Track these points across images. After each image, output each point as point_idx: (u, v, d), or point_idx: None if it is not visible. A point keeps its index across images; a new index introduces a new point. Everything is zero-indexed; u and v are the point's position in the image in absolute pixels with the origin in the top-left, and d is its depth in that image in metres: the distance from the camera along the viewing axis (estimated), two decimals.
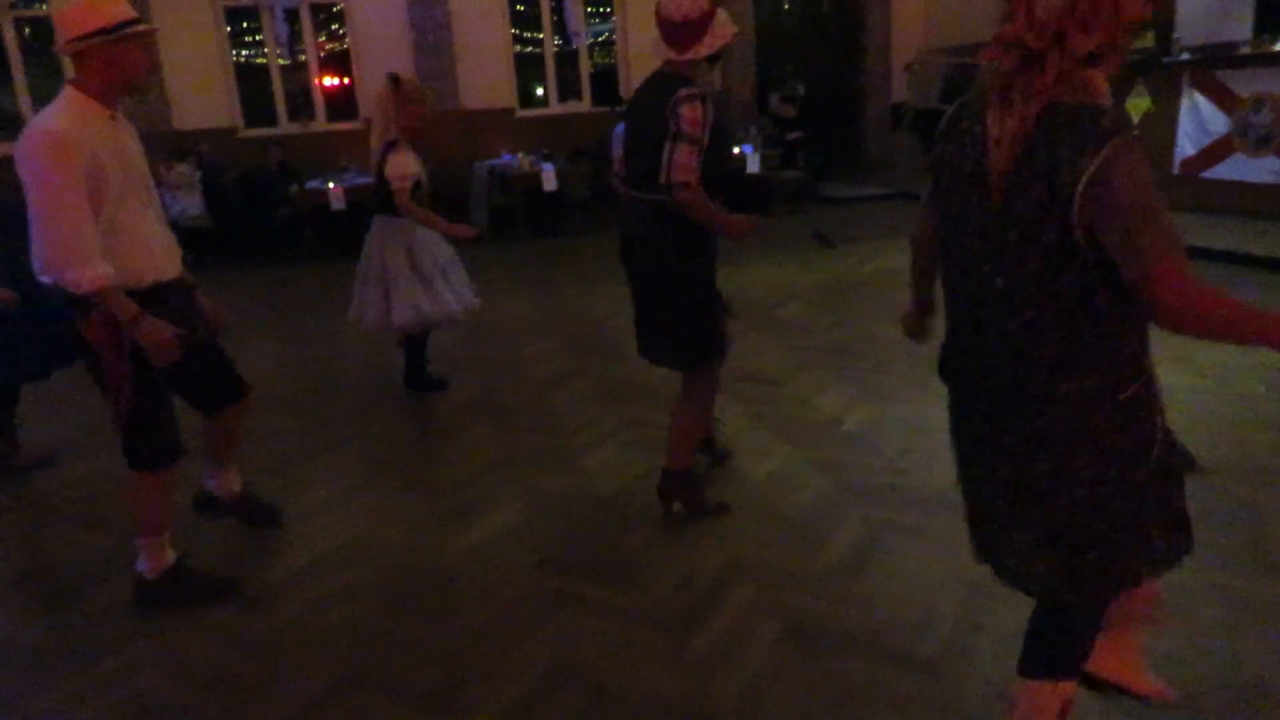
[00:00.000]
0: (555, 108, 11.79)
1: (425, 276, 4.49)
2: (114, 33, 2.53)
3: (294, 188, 9.50)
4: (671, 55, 2.85)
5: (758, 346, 5.35)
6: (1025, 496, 1.73)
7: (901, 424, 4.04)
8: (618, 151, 3.25)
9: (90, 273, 2.48)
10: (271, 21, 10.62)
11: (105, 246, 2.54)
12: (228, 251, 9.39)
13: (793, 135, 10.46)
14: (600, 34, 12.30)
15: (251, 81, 10.90)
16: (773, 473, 3.66)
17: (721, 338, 3.13)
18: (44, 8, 10.22)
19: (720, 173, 2.94)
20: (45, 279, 2.52)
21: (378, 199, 4.48)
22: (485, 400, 4.78)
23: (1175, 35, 7.84)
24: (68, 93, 2.58)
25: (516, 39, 11.63)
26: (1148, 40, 8.07)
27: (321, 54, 11.19)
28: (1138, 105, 8.06)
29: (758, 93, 11.92)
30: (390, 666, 2.58)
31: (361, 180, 9.73)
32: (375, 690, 2.49)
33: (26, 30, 10.48)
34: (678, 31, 2.80)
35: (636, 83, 3.01)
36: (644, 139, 2.88)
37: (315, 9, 10.99)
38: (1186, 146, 7.75)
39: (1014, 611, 2.60)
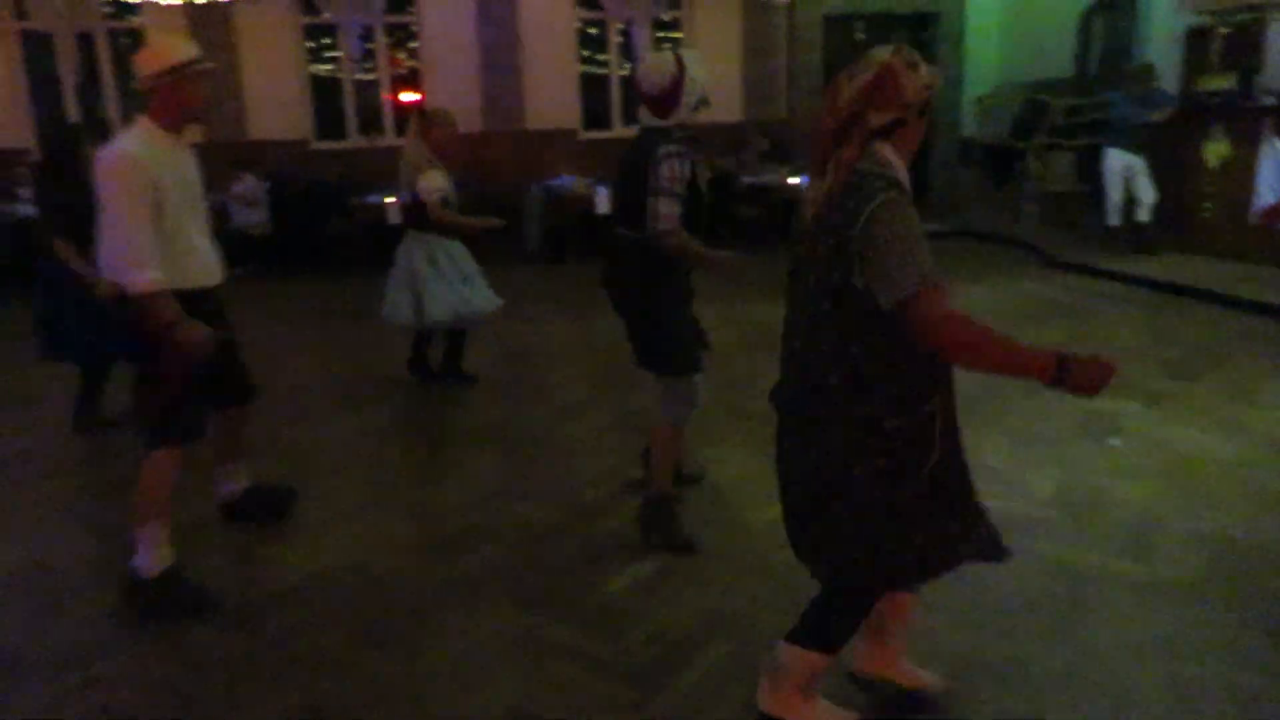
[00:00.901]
0: (619, 130, 11.83)
1: (450, 281, 4.98)
2: (180, 72, 2.97)
3: (353, 200, 9.72)
4: (657, 121, 3.20)
5: None
6: (816, 500, 2.08)
7: None
8: None
9: (144, 277, 2.86)
10: (347, 37, 10.94)
11: (164, 254, 2.93)
12: (287, 261, 9.64)
13: None
14: None
15: (325, 95, 11.23)
16: (773, 521, 3.46)
17: (692, 355, 3.34)
18: (136, 19, 10.71)
19: (699, 215, 3.25)
20: (106, 274, 2.95)
21: (409, 215, 5.07)
22: (499, 426, 4.76)
23: (1258, 78, 7.44)
24: (140, 121, 3.02)
25: (584, 60, 11.73)
26: (1230, 82, 7.69)
27: (395, 71, 11.47)
28: (1216, 150, 7.68)
29: None
30: (349, 700, 2.55)
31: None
32: None
33: (124, 40, 11.01)
34: (656, 102, 3.18)
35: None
36: (630, 185, 3.21)
37: (390, 27, 11.29)
38: (1266, 195, 7.33)
39: (995, 699, 2.45)
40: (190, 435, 3.10)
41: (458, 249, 5.11)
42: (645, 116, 3.22)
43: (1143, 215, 8.30)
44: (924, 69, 1.98)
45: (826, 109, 1.99)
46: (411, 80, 11.51)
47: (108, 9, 10.58)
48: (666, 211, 3.07)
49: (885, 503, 2.00)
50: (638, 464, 4.00)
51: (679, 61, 3.15)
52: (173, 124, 3.04)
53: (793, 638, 2.23)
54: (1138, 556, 3.19)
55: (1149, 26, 9.34)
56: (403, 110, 11.44)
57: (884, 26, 12.09)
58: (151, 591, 2.99)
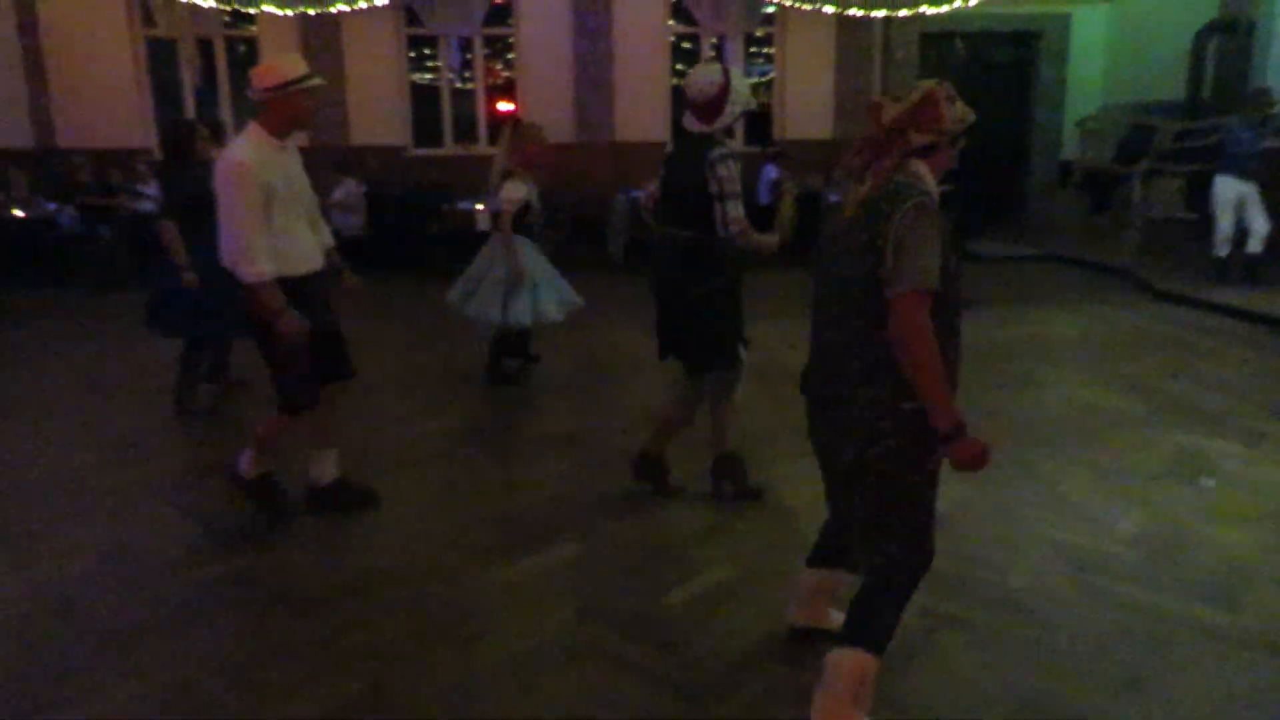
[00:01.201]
0: None
1: (510, 289, 5.28)
2: (289, 87, 3.34)
3: (446, 206, 9.99)
4: (701, 127, 3.49)
5: None
6: (839, 480, 2.36)
7: (993, 509, 3.77)
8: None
9: (254, 269, 3.29)
10: (447, 48, 11.28)
11: (273, 246, 3.32)
12: (382, 263, 9.94)
13: (941, 187, 10.04)
14: (764, 73, 12.31)
15: (423, 103, 11.60)
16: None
17: (734, 349, 3.63)
18: (253, 28, 11.27)
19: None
20: (226, 263, 3.35)
21: (496, 220, 5.43)
22: (572, 432, 4.82)
23: None
24: (251, 128, 3.40)
25: (677, 73, 11.80)
26: None
27: (492, 81, 11.77)
28: None
29: None
30: (409, 691, 2.62)
31: None
32: (388, 712, 2.53)
33: (241, 47, 11.60)
34: (702, 109, 3.45)
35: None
36: (678, 186, 3.53)
37: (489, 39, 11.59)
38: None
39: None
40: (303, 407, 3.58)
41: (532, 254, 5.39)
42: (690, 123, 3.51)
43: (1254, 246, 7.90)
44: (960, 104, 2.25)
45: (870, 124, 2.26)
46: (507, 90, 11.79)
47: (226, 19, 11.16)
48: (735, 214, 3.38)
49: (898, 483, 2.24)
50: (704, 479, 4.01)
51: (726, 73, 3.43)
52: (279, 131, 3.41)
53: (840, 639, 2.35)
54: (1224, 604, 3.03)
55: (1268, 49, 8.90)
56: (499, 119, 11.72)
57: (984, 43, 11.84)
58: (250, 488, 3.66)
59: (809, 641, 2.81)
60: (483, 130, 11.67)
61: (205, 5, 10.62)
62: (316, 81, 3.44)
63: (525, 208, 5.26)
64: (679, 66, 11.82)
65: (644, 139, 11.23)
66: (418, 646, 2.84)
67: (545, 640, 2.88)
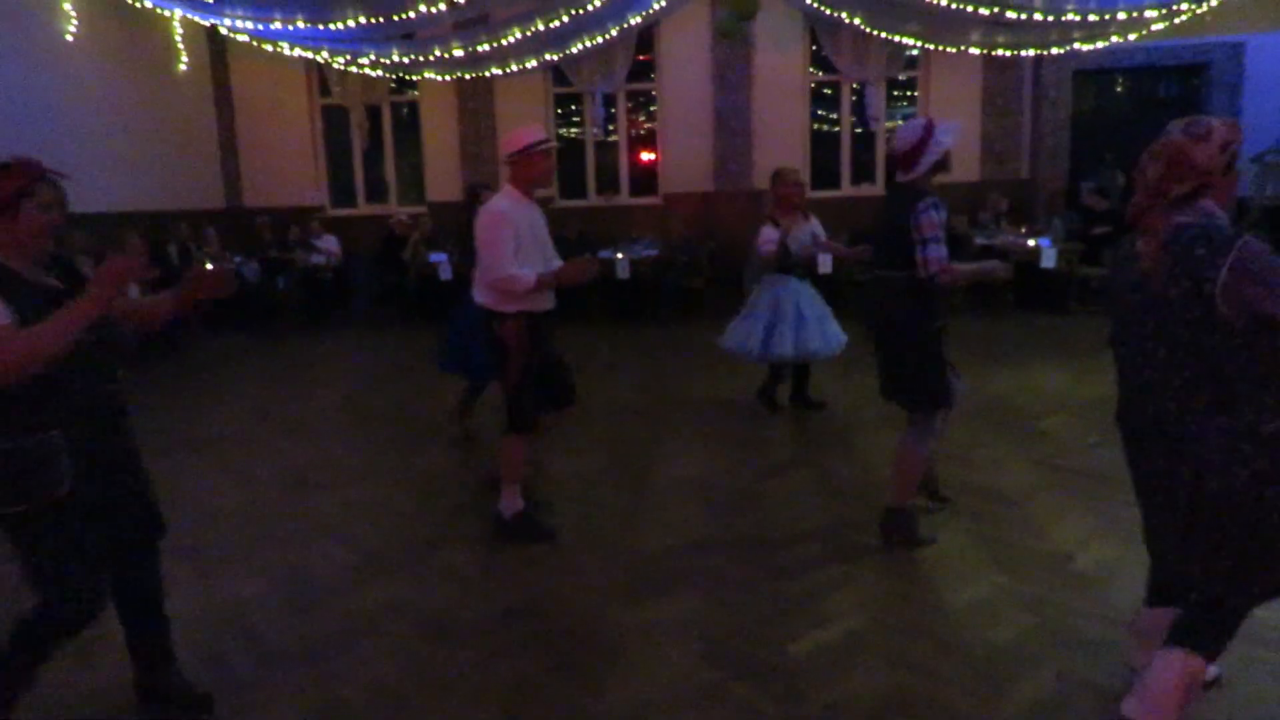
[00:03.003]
0: (847, 189, 11.82)
1: (774, 318, 5.67)
2: (529, 150, 3.90)
3: (588, 255, 10.36)
4: (904, 176, 3.68)
5: (1002, 459, 4.97)
6: (1199, 513, 2.23)
7: (1143, 569, 3.54)
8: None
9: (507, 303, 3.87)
10: (591, 104, 11.77)
11: None
12: None
13: (1099, 229, 9.59)
14: (906, 117, 12.18)
15: (568, 157, 12.12)
16: (974, 601, 3.39)
17: (946, 390, 3.72)
18: (415, 94, 12.14)
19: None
20: (479, 300, 4.00)
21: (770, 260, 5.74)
22: (705, 478, 4.89)
23: None
24: (506, 187, 4.00)
25: (817, 118, 11.85)
26: None
27: (633, 133, 12.18)
28: None
29: (1069, 183, 11.12)
30: None
31: (649, 253, 10.39)
32: None
33: (404, 112, 12.52)
34: (902, 159, 3.66)
35: None
36: (885, 231, 3.74)
37: (631, 93, 12.02)
38: None
39: None
40: (531, 425, 4.07)
41: (806, 292, 5.76)
42: (898, 174, 3.71)
43: None
44: (1220, 126, 2.23)
45: (1141, 187, 2.31)
46: (648, 142, 12.16)
47: (392, 86, 12.09)
48: (935, 255, 3.54)
49: (1263, 508, 2.15)
50: (832, 530, 3.99)
51: (929, 125, 3.62)
52: (526, 188, 3.97)
53: (1171, 639, 2.36)
54: None
55: None
56: (641, 170, 12.11)
57: (1146, 79, 11.31)
58: (512, 526, 4.11)
59: (937, 703, 2.76)
60: (625, 181, 12.06)
61: (374, 75, 11.56)
62: (551, 145, 3.99)
63: (785, 249, 5.60)
64: (820, 113, 11.88)
65: None
66: (551, 681, 2.97)
67: (672, 681, 2.94)
